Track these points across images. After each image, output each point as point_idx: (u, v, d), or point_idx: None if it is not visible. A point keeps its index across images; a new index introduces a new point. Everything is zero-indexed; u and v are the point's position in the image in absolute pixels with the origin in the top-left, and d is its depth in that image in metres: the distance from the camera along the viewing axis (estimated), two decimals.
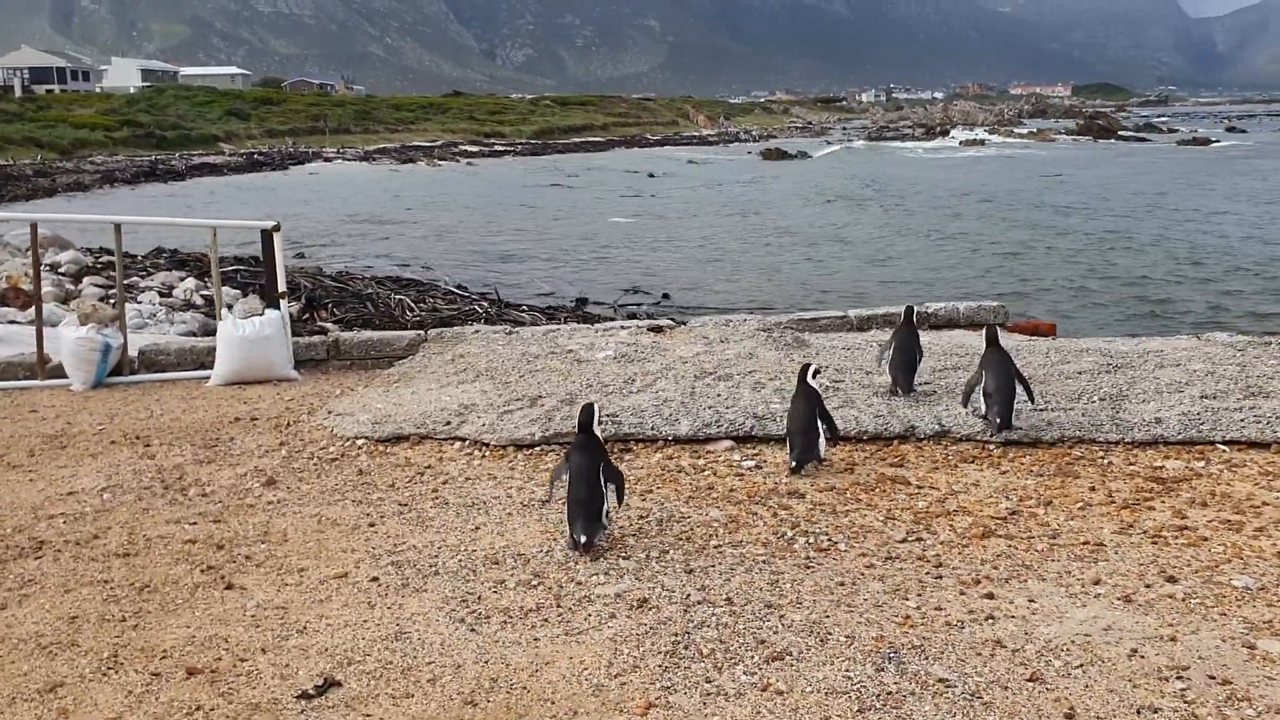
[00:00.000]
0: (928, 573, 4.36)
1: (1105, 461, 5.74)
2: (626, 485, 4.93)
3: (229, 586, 4.34)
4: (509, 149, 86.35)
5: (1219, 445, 5.91)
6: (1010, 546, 4.62)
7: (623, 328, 8.43)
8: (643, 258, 25.83)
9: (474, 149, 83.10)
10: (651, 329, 8.34)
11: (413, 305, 17.55)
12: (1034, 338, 8.68)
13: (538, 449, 6.05)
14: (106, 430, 6.58)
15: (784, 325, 8.40)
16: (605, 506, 4.64)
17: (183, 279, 18.98)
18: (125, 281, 17.47)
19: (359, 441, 6.22)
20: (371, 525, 5.00)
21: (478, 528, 4.94)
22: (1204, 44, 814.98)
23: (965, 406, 6.22)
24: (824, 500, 5.21)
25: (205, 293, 17.47)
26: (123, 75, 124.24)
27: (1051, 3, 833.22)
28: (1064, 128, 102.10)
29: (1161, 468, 5.62)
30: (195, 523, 5.05)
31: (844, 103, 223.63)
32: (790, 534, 4.78)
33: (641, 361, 7.44)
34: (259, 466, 5.84)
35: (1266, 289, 20.19)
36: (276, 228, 7.79)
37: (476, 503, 5.26)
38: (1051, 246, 26.52)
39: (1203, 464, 5.66)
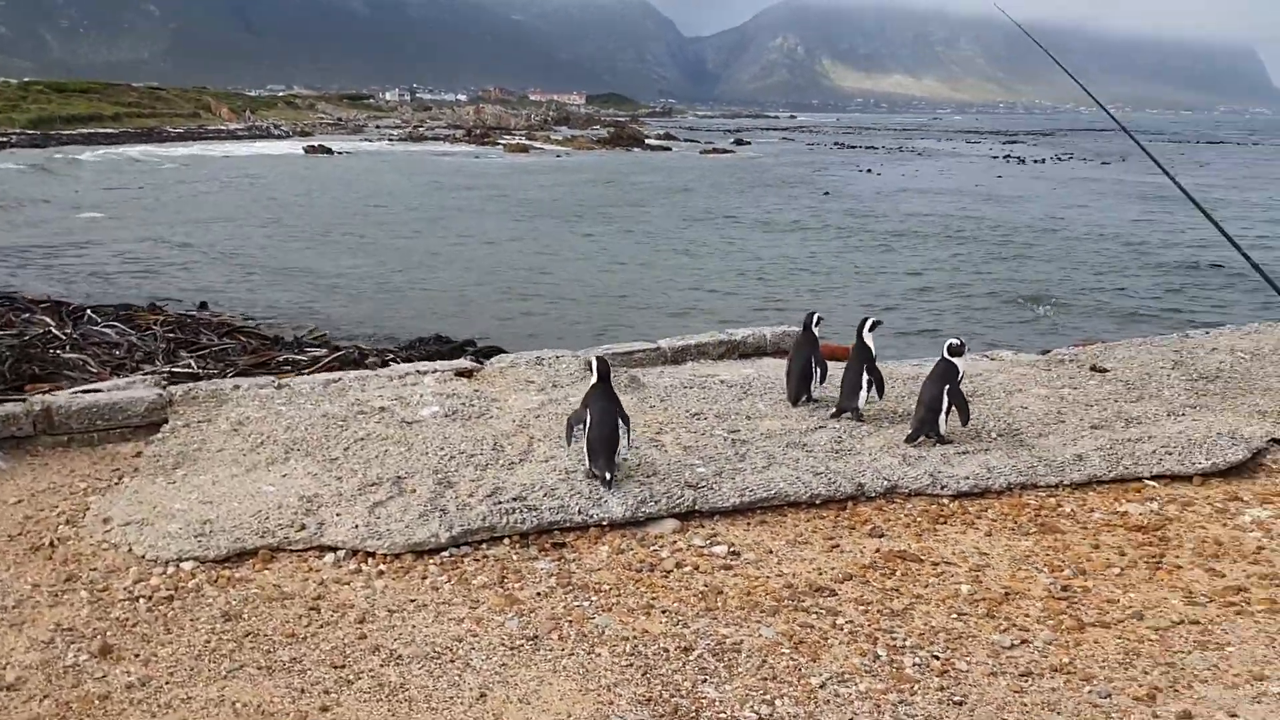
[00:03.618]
0: (1089, 691, 3.62)
1: (1066, 510, 5.33)
2: (584, 590, 4.29)
3: None
4: (3, 140, 75.43)
5: (1147, 481, 5.71)
6: (1121, 640, 3.99)
7: (420, 372, 6.94)
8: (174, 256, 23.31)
9: None
10: (459, 373, 6.95)
11: None
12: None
13: (448, 555, 4.61)
14: None
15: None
16: (620, 447, 5.25)
17: None
18: None
19: (185, 565, 4.42)
20: (325, 710, 3.43)
21: (483, 695, 3.54)
22: (697, 61, 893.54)
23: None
24: (860, 595, 4.32)
25: None
26: None
27: (561, 14, 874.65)
28: (595, 136, 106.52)
29: (1126, 513, 5.29)
30: None
31: (371, 101, 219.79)
32: (882, 653, 3.84)
33: (484, 419, 6.10)
34: (65, 624, 3.93)
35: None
36: None
37: (441, 652, 3.82)
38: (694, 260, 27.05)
39: (1155, 505, 5.40)
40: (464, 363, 7.21)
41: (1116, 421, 6.44)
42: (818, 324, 6.74)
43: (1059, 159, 77.29)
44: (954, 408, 5.95)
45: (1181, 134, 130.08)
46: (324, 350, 13.26)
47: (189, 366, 12.45)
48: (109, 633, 3.87)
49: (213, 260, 23.44)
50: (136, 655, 3.73)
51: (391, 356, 12.61)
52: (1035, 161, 73.77)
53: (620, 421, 5.26)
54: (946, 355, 6.02)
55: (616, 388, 6.64)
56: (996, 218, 35.89)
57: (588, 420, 5.22)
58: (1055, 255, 26.94)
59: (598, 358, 5.49)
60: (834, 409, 6.42)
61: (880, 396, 6.41)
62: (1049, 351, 8.73)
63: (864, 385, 6.29)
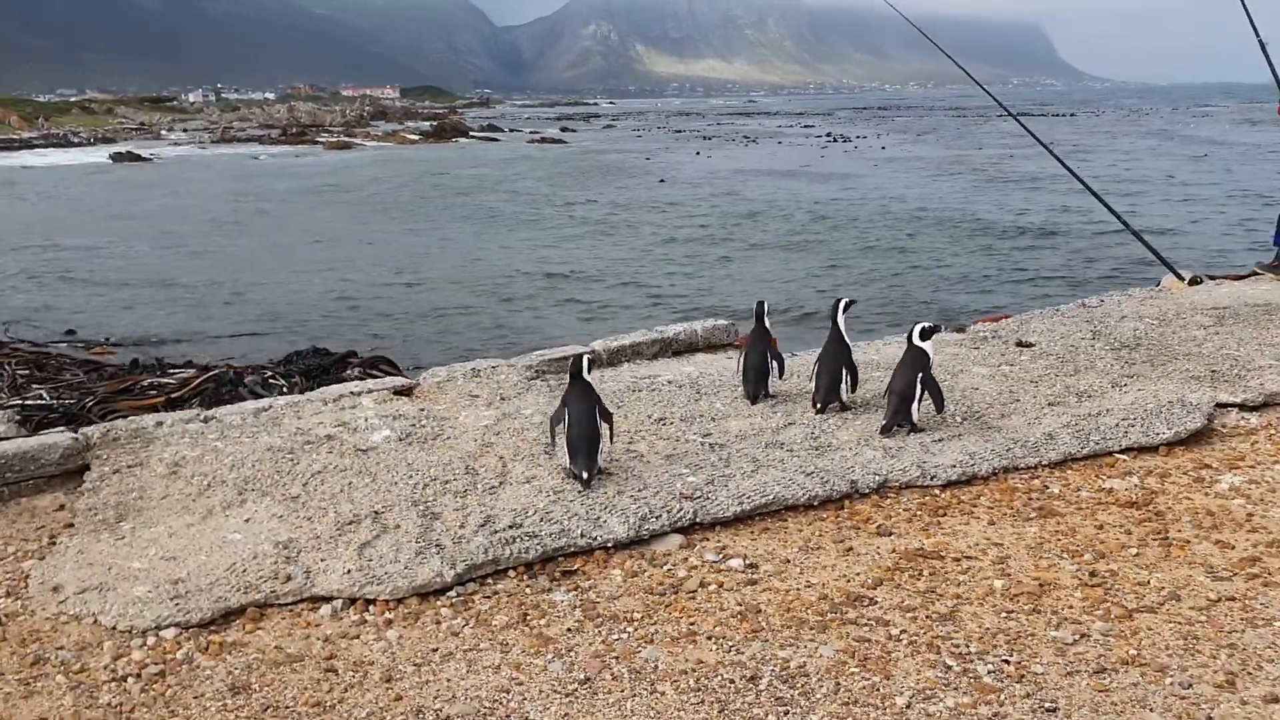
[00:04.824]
0: (1170, 682, 3.54)
1: (1054, 491, 5.31)
2: (614, 620, 4.03)
3: None
4: None
5: (1117, 455, 5.76)
6: (1173, 625, 3.94)
7: (354, 393, 6.47)
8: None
9: None
10: (397, 392, 6.52)
11: None
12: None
13: (455, 594, 4.26)
14: None
15: (535, 369, 7.02)
16: (602, 445, 5.14)
17: None
18: None
19: (167, 633, 3.94)
20: None
21: None
22: (510, 51, 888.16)
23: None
24: (900, 601, 4.17)
25: None
26: None
27: (367, 6, 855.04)
28: (417, 129, 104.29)
29: (1112, 490, 5.31)
30: None
31: (174, 103, 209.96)
32: (952, 663, 3.69)
33: (442, 441, 5.71)
34: (50, 717, 3.42)
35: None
36: None
37: (492, 706, 3.48)
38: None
39: (1135, 479, 5.44)
40: (400, 380, 6.78)
41: (1069, 397, 6.50)
42: (769, 315, 6.55)
43: (877, 136, 79.84)
44: (928, 394, 5.87)
45: (986, 108, 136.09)
46: (192, 371, 12.43)
47: (40, 398, 11.51)
48: None
49: (42, 284, 21.83)
50: None
51: (270, 374, 11.93)
52: (859, 138, 76.03)
53: (600, 419, 5.15)
54: (917, 340, 5.92)
55: (562, 393, 6.37)
56: (837, 198, 36.72)
57: (566, 419, 5.14)
58: (904, 230, 27.68)
59: (574, 357, 5.38)
60: (815, 403, 6.23)
61: (854, 389, 6.30)
62: (964, 328, 8.81)
63: (844, 378, 6.17)
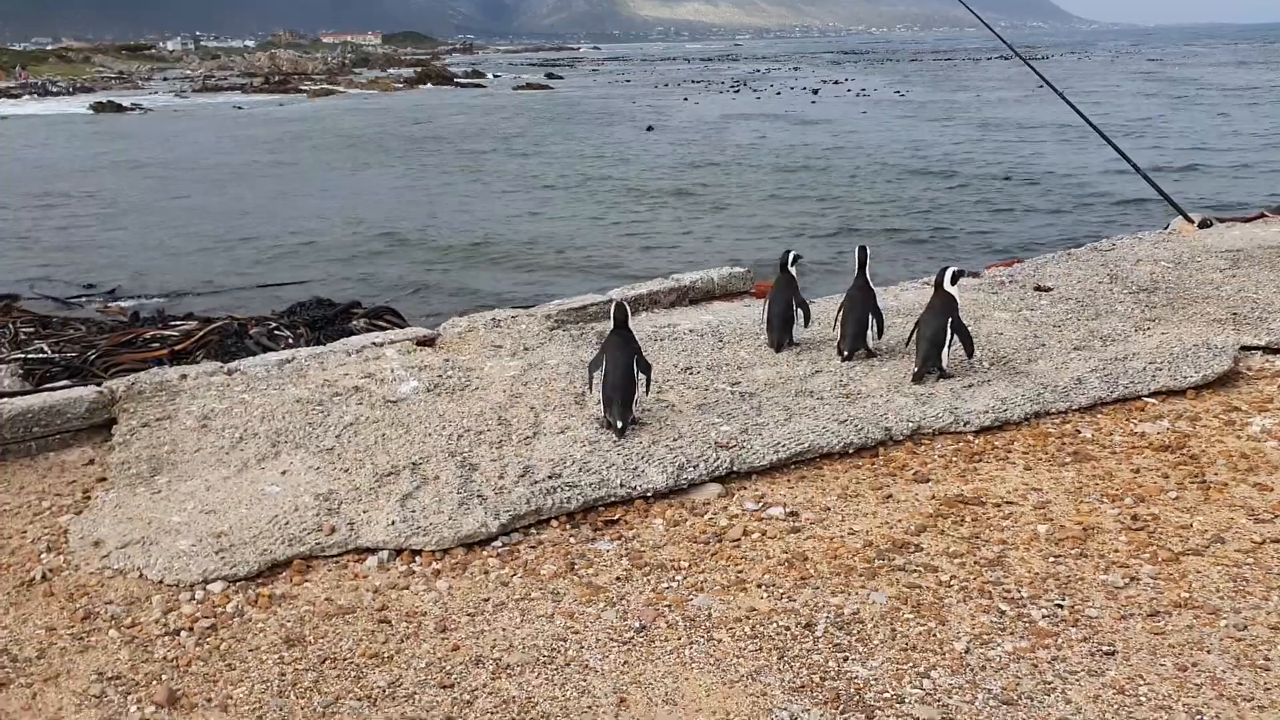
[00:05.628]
0: (1224, 624, 3.56)
1: (1086, 435, 5.31)
2: (662, 569, 4.05)
3: None
4: None
5: (1146, 399, 5.76)
6: (1220, 567, 3.95)
7: (377, 344, 6.42)
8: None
9: None
10: (419, 342, 6.47)
11: None
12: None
13: (500, 544, 4.25)
14: None
15: (555, 319, 6.97)
16: (637, 395, 5.16)
17: None
18: None
19: (214, 587, 3.92)
20: None
21: (624, 701, 3.25)
22: None
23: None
24: (946, 547, 4.17)
25: None
26: None
27: None
28: (400, 76, 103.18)
29: (1144, 434, 5.31)
30: None
31: (153, 51, 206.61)
32: (1006, 608, 3.70)
33: (471, 392, 5.68)
34: (108, 671, 3.41)
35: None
36: None
37: (551, 655, 3.48)
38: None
39: (1166, 423, 5.44)
40: (420, 330, 6.73)
41: (1093, 341, 6.48)
42: (794, 263, 6.51)
43: (867, 79, 79.27)
44: (958, 340, 5.85)
45: (976, 51, 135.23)
46: (194, 323, 12.34)
47: (42, 351, 11.43)
48: (165, 677, 3.38)
49: (42, 240, 21.57)
50: (210, 700, 3.26)
51: (275, 325, 11.84)
52: (848, 80, 75.56)
53: (638, 369, 5.18)
54: (948, 286, 5.89)
55: (584, 343, 6.34)
56: (831, 145, 36.50)
57: (604, 368, 5.16)
58: (901, 176, 27.56)
59: (616, 304, 5.32)
60: (841, 350, 6.20)
61: (880, 335, 6.28)
62: (978, 274, 8.77)
63: (871, 324, 6.14)
